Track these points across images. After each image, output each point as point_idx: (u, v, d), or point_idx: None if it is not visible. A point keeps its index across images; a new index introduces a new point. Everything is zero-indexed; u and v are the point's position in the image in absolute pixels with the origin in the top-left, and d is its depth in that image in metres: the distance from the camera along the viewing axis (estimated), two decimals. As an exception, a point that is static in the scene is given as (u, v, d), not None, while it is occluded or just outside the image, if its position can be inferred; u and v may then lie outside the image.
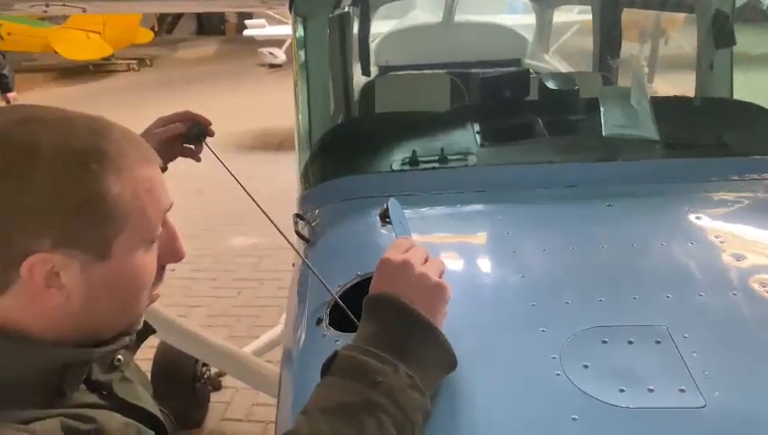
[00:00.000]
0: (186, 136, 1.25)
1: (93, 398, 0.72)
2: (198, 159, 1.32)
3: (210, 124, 1.29)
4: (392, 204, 1.02)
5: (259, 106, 8.37)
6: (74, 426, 0.65)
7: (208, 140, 1.29)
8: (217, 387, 2.83)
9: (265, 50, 10.87)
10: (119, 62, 11.94)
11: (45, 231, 0.65)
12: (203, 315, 3.63)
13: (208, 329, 3.09)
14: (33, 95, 9.66)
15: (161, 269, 0.79)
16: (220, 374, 2.75)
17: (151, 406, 0.80)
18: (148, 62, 12.46)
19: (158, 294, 0.80)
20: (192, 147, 1.29)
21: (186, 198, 5.24)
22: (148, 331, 0.83)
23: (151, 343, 2.64)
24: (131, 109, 8.64)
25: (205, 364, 2.68)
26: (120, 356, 0.76)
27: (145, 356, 2.70)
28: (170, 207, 0.76)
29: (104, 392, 0.74)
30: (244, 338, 3.13)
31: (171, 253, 0.79)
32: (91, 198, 0.67)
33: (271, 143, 6.92)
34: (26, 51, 11.54)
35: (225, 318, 3.60)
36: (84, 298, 0.69)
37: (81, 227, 0.67)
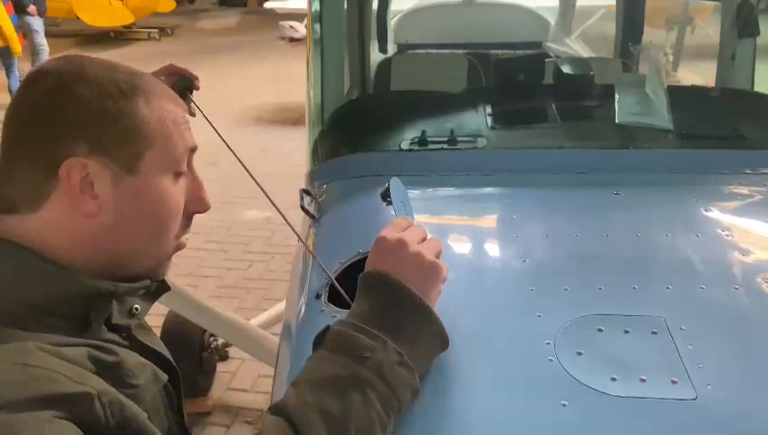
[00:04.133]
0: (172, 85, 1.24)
1: (114, 337, 0.76)
2: (192, 114, 1.32)
3: (196, 78, 1.29)
4: (394, 183, 1.02)
5: (279, 79, 8.35)
6: (100, 357, 0.69)
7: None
8: (224, 357, 2.87)
9: (286, 23, 10.80)
10: (140, 30, 11.94)
11: (83, 137, 0.72)
12: (213, 286, 3.67)
13: (218, 300, 3.13)
14: (55, 61, 9.70)
15: (188, 218, 0.83)
16: (227, 345, 2.79)
17: (167, 353, 0.84)
18: (169, 31, 12.45)
19: (186, 242, 0.84)
20: None
21: (201, 171, 5.27)
22: (164, 287, 0.86)
23: (160, 312, 2.68)
24: (151, 78, 8.67)
25: (212, 334, 2.72)
26: (137, 306, 0.79)
27: (154, 324, 2.74)
28: (195, 148, 0.82)
29: (124, 334, 0.77)
30: (252, 310, 3.17)
31: (197, 201, 0.83)
32: (124, 112, 0.74)
33: (289, 117, 6.92)
34: (49, 16, 11.58)
35: (235, 290, 3.64)
36: (114, 213, 0.74)
37: (113, 137, 0.73)
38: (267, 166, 5.20)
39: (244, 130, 6.47)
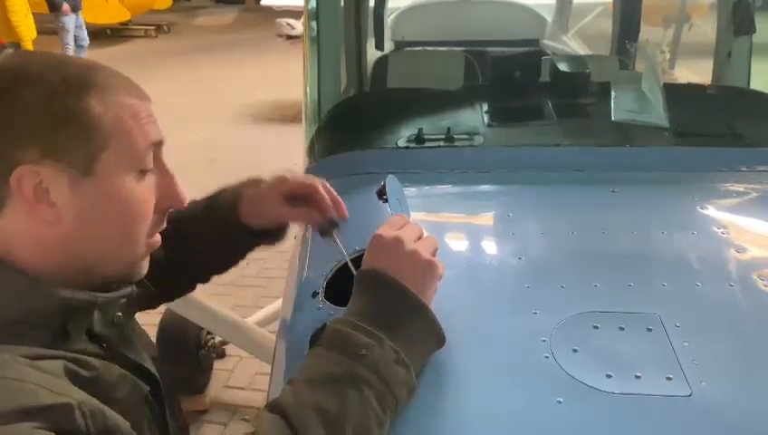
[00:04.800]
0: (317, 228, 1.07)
1: (93, 348, 0.73)
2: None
3: (340, 207, 1.06)
4: (390, 181, 1.02)
5: (276, 77, 8.34)
6: (75, 370, 0.67)
7: None
8: (221, 355, 2.87)
9: (283, 20, 10.78)
10: (136, 27, 11.91)
11: (31, 143, 0.67)
12: (211, 284, 3.65)
13: (215, 298, 3.12)
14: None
15: (161, 214, 0.80)
16: (224, 342, 2.79)
17: (149, 364, 0.82)
18: (165, 28, 12.42)
19: (158, 241, 0.81)
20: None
21: (200, 168, 5.26)
22: (150, 294, 0.84)
23: (158, 310, 2.68)
24: (147, 75, 8.68)
25: (209, 332, 2.72)
26: (119, 314, 0.77)
27: (151, 322, 2.74)
28: (160, 142, 0.77)
29: (103, 345, 0.75)
30: (250, 308, 3.16)
31: (171, 196, 0.79)
32: (74, 112, 0.69)
33: (286, 115, 6.91)
34: (45, 13, 11.58)
35: (232, 287, 3.63)
36: (76, 219, 0.71)
37: (64, 139, 0.69)
38: (264, 163, 5.19)
39: (241, 127, 6.47)
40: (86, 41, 8.47)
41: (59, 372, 0.65)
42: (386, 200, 1.00)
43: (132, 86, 0.76)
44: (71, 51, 8.27)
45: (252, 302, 3.40)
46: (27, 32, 7.06)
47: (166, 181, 0.79)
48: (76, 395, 0.63)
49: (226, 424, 2.66)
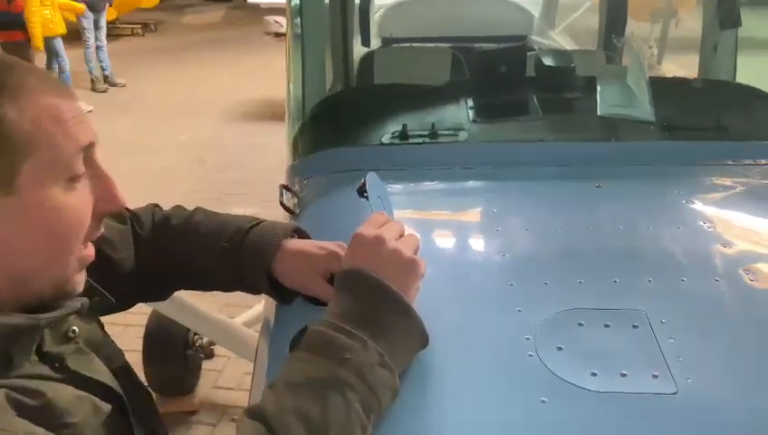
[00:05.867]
0: None
1: (45, 369, 0.67)
2: None
3: None
4: (370, 178, 1.00)
5: (266, 75, 8.31)
6: (21, 400, 0.61)
7: None
8: (209, 355, 2.86)
9: (271, 18, 10.75)
10: (123, 26, 11.82)
11: None
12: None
13: (203, 296, 3.08)
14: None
15: (97, 221, 0.73)
16: (212, 343, 2.77)
17: (109, 378, 0.74)
18: (152, 27, 12.34)
19: (92, 255, 0.74)
20: None
21: (188, 168, 5.24)
22: (106, 302, 0.79)
23: (144, 310, 2.66)
24: (135, 75, 8.63)
25: (197, 332, 2.70)
26: (74, 327, 0.72)
27: (138, 323, 2.71)
28: (91, 144, 0.70)
29: (56, 365, 0.69)
30: (237, 308, 3.14)
31: (106, 200, 0.72)
32: None
33: (275, 112, 6.86)
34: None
35: (220, 287, 3.60)
36: None
37: None
38: (255, 161, 5.17)
39: (231, 125, 6.44)
40: (102, 42, 8.39)
41: (1, 405, 0.59)
42: (367, 198, 0.99)
43: (52, 84, 0.69)
44: (90, 49, 8.21)
45: (240, 302, 3.37)
46: (37, 27, 7.02)
47: (101, 184, 0.72)
48: (20, 429, 0.58)
49: (215, 425, 2.65)
